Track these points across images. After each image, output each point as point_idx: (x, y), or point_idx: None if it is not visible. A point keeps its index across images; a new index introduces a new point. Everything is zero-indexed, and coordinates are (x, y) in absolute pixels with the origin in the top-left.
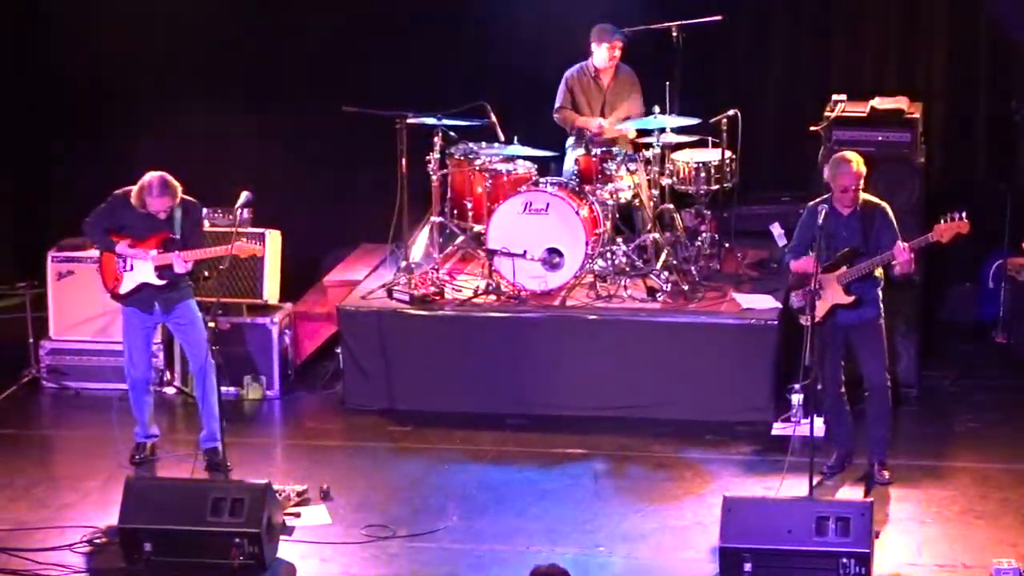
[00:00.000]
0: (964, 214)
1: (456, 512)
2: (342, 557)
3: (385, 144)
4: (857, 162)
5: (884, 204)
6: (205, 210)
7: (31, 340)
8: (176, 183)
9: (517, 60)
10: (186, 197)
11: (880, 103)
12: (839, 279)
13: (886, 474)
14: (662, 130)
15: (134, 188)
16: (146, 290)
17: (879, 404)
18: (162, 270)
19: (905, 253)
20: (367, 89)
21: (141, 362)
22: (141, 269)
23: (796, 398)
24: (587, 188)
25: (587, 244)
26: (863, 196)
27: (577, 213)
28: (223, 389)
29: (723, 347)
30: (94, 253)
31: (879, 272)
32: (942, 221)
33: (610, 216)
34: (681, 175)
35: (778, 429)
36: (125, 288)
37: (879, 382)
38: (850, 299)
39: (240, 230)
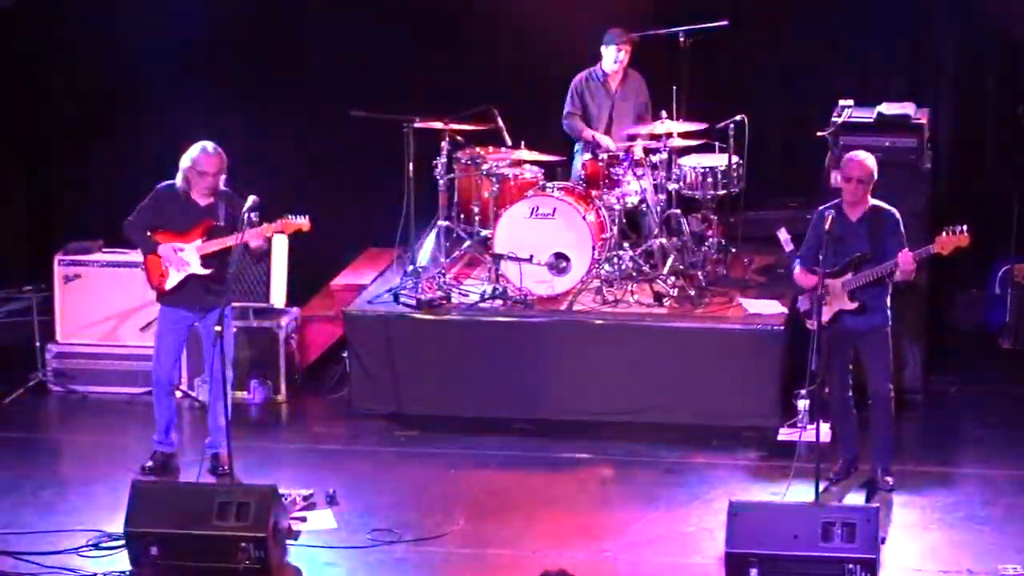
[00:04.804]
0: (965, 228)
1: (463, 517)
2: (348, 561)
3: (392, 148)
4: (867, 158)
5: (893, 211)
6: None
7: (38, 343)
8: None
9: (524, 65)
10: (227, 190)
11: (887, 108)
12: (844, 285)
13: (890, 480)
14: (669, 135)
15: (177, 178)
16: (192, 283)
17: (881, 413)
18: (207, 259)
19: (910, 262)
20: (374, 93)
21: (167, 362)
22: (187, 260)
23: (802, 403)
24: (594, 193)
25: (594, 249)
26: (873, 201)
27: (584, 218)
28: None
29: (729, 352)
30: (101, 257)
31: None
32: (944, 233)
33: (617, 221)
34: (688, 180)
35: (784, 434)
36: (171, 283)
37: (882, 392)
38: (854, 305)
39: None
